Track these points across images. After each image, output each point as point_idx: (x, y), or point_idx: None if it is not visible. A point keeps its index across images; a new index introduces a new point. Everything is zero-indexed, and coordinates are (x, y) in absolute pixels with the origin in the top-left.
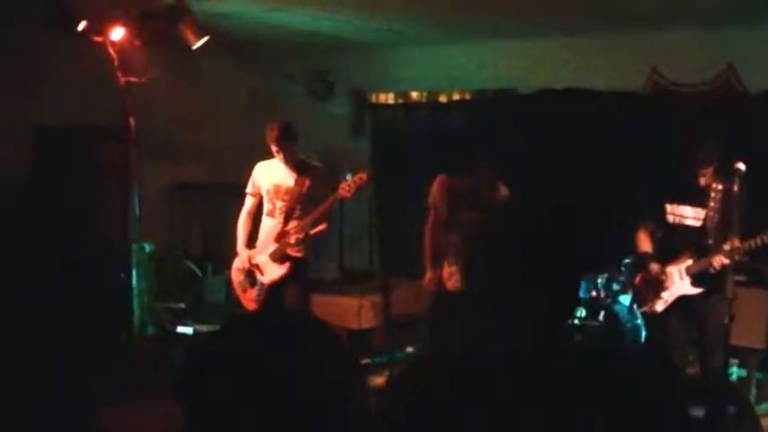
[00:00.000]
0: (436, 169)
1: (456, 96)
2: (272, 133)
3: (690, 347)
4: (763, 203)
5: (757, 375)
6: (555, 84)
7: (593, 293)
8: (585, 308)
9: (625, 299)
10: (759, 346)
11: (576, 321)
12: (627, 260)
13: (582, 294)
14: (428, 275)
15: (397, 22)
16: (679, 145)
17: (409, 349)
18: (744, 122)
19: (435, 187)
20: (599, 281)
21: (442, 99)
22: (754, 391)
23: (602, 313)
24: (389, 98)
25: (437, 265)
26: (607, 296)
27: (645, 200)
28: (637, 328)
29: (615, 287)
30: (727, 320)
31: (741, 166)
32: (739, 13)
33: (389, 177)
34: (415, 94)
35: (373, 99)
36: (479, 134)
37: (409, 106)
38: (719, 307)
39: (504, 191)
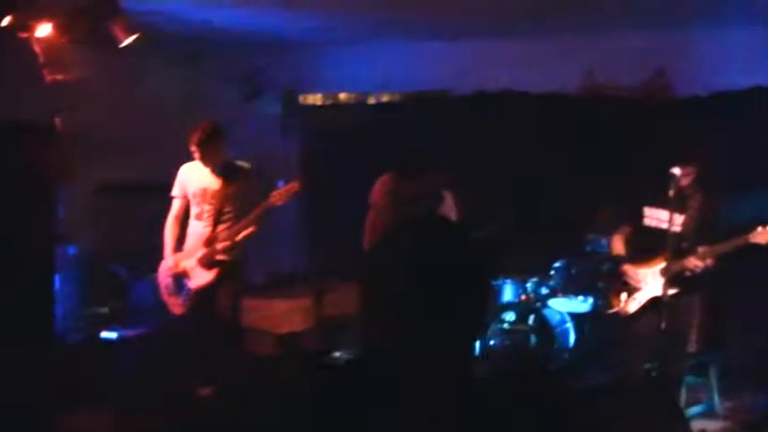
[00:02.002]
0: (366, 171)
1: (386, 98)
2: (193, 135)
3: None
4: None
5: (688, 379)
6: (489, 86)
7: (523, 297)
8: (515, 312)
9: (555, 302)
10: (691, 349)
11: (506, 325)
12: (557, 263)
13: (511, 298)
14: None
15: (328, 21)
16: (626, 149)
17: (337, 354)
18: (681, 126)
19: (378, 187)
20: (528, 284)
21: (372, 101)
22: (684, 394)
23: (532, 317)
24: (318, 99)
25: None
26: (537, 299)
27: (624, 203)
28: (566, 332)
29: (545, 291)
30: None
31: (676, 170)
32: (673, 17)
33: (318, 179)
34: (344, 96)
35: (302, 100)
36: (411, 136)
37: (339, 108)
38: (690, 309)
39: (449, 199)
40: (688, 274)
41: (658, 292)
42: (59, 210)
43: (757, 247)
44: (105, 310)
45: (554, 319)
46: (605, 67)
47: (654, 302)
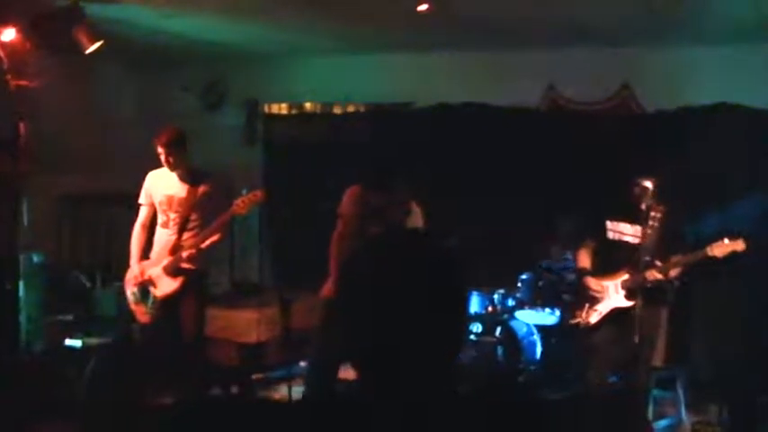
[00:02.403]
0: (330, 181)
1: (351, 109)
2: (161, 138)
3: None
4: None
5: (655, 392)
6: (451, 98)
7: (490, 309)
8: (481, 323)
9: (522, 314)
10: (658, 363)
11: (473, 336)
12: (524, 276)
13: (478, 309)
14: (328, 286)
15: (293, 33)
16: (592, 163)
17: (303, 364)
18: (644, 141)
19: (347, 198)
20: (495, 296)
21: (337, 111)
22: (651, 408)
23: (499, 329)
24: (283, 109)
25: None
26: (504, 311)
27: (588, 218)
28: (533, 345)
29: (511, 303)
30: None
31: (647, 183)
32: (636, 33)
33: (283, 188)
34: (309, 105)
35: (267, 110)
36: (375, 147)
37: (303, 117)
38: (652, 321)
39: (417, 212)
40: (649, 286)
41: (620, 303)
42: (23, 218)
43: (718, 261)
44: (69, 317)
45: (521, 330)
46: (567, 81)
47: (615, 314)
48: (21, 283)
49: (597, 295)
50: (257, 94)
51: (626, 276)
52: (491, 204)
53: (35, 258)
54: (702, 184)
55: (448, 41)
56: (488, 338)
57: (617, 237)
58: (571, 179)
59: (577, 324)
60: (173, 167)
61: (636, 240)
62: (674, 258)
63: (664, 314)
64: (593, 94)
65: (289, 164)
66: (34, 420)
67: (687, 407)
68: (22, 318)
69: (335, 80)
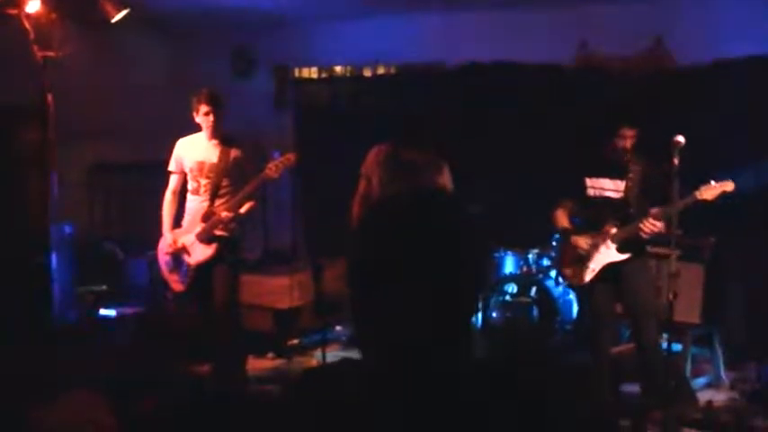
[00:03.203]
0: (361, 144)
1: (381, 71)
2: (204, 96)
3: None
4: (691, 175)
5: (692, 350)
6: (482, 57)
7: (524, 269)
8: (516, 283)
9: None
10: (695, 321)
11: (508, 297)
12: (557, 235)
13: (513, 270)
14: None
15: None
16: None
17: (338, 328)
18: (675, 95)
19: (371, 157)
20: (530, 256)
21: (367, 73)
22: (689, 366)
23: (534, 289)
24: (313, 73)
25: None
26: (538, 271)
27: (563, 176)
28: (569, 304)
29: (546, 262)
30: (664, 289)
31: (680, 139)
32: None
33: (314, 153)
34: (339, 69)
35: (296, 74)
36: (406, 108)
37: (333, 81)
38: (644, 273)
39: (446, 172)
40: (643, 235)
41: (613, 258)
42: (54, 190)
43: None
44: (103, 287)
45: (556, 290)
46: (599, 37)
47: (609, 270)
48: (53, 255)
49: (587, 253)
50: (287, 60)
51: (614, 230)
52: (524, 163)
53: (66, 229)
54: (734, 138)
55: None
56: (523, 299)
57: (597, 193)
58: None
59: (571, 283)
60: (214, 127)
61: (617, 195)
62: (666, 207)
63: (699, 272)
64: (626, 49)
65: (319, 128)
66: (68, 389)
67: (725, 364)
68: (55, 289)
69: (364, 42)
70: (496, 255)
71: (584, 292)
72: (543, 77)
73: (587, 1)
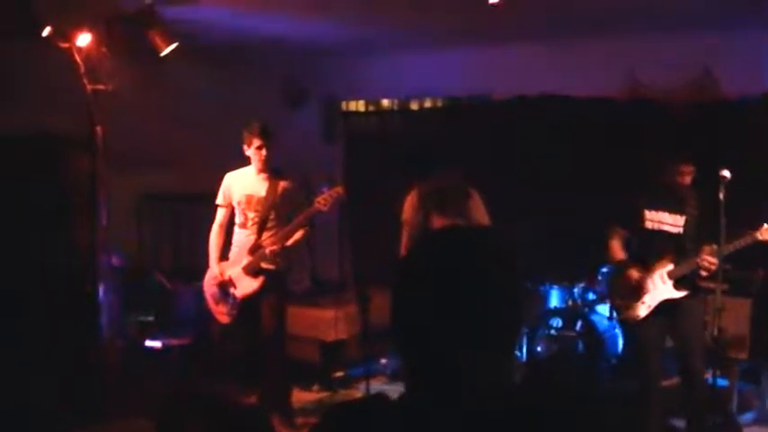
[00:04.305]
0: (409, 177)
1: (428, 104)
2: (252, 131)
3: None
4: (740, 210)
5: (740, 385)
6: (529, 90)
7: (570, 303)
8: (562, 317)
9: (603, 308)
10: (742, 356)
11: (553, 331)
12: (604, 269)
13: (558, 304)
14: None
15: (369, 29)
16: (657, 150)
17: (384, 361)
18: (722, 128)
19: (408, 202)
20: (575, 290)
21: (414, 106)
22: (735, 401)
23: (579, 323)
24: (361, 105)
25: None
26: (584, 305)
27: (620, 206)
28: (614, 338)
29: (592, 296)
30: (710, 324)
31: (726, 173)
32: (716, 18)
33: (362, 185)
34: (386, 102)
35: (345, 107)
36: (453, 141)
37: (381, 114)
38: (698, 309)
39: (477, 198)
40: (703, 273)
41: (669, 295)
42: (102, 220)
43: None
44: (150, 318)
45: (601, 324)
46: (647, 68)
47: (664, 307)
48: (100, 285)
49: (643, 288)
50: (336, 91)
51: (671, 266)
52: (570, 196)
53: (115, 259)
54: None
55: (525, 32)
56: (569, 333)
57: (656, 226)
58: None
59: (625, 320)
60: (265, 163)
61: (675, 230)
62: (724, 244)
63: (747, 306)
64: (674, 80)
65: (367, 160)
66: (116, 419)
67: None
68: (103, 319)
69: (412, 75)
70: (542, 288)
71: (633, 324)
72: (590, 109)
73: (635, 31)
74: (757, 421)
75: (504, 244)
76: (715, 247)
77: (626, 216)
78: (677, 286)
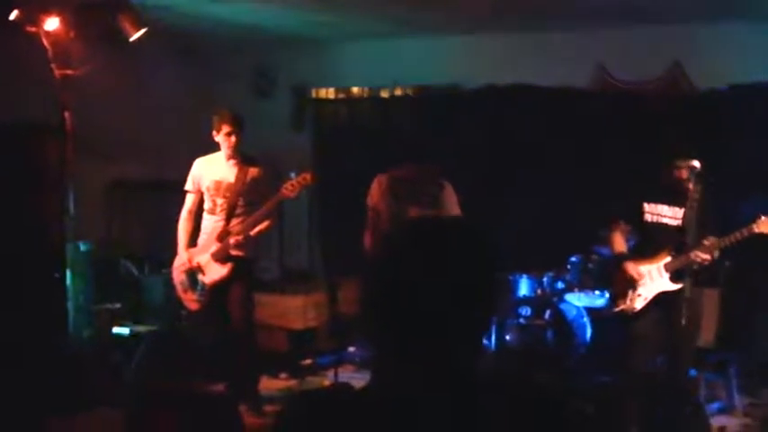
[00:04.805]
0: (379, 165)
1: (398, 92)
2: (222, 118)
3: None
4: (719, 203)
5: (707, 376)
6: (499, 80)
7: (539, 292)
8: (531, 306)
9: (572, 297)
10: (709, 346)
11: (522, 320)
12: (573, 258)
13: (527, 293)
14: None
15: (340, 16)
16: (638, 143)
17: (352, 349)
18: (693, 120)
19: (375, 187)
20: (545, 279)
21: (385, 95)
22: (703, 391)
23: (548, 312)
24: (331, 93)
25: None
26: (553, 294)
27: (621, 199)
28: (583, 327)
29: (561, 285)
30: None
31: (696, 163)
32: (686, 11)
33: (331, 173)
34: (356, 90)
35: (315, 94)
36: (423, 130)
37: (351, 102)
38: (696, 303)
39: (450, 189)
40: (696, 267)
41: (665, 287)
42: (70, 207)
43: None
44: (118, 305)
45: (570, 313)
46: (616, 60)
47: (660, 298)
48: (68, 272)
49: (639, 280)
50: (305, 80)
51: (668, 259)
52: (539, 186)
53: (82, 247)
54: (753, 163)
55: (495, 23)
56: (538, 321)
57: (655, 219)
58: (620, 160)
59: (622, 311)
60: (234, 149)
61: (675, 222)
62: (721, 237)
63: (713, 296)
64: (644, 73)
65: (337, 148)
66: (82, 408)
67: (739, 390)
68: (70, 306)
69: (383, 64)
70: (512, 277)
71: (628, 316)
72: (560, 100)
73: (606, 24)
74: (724, 411)
75: (484, 235)
76: (710, 242)
77: (627, 210)
78: (674, 279)
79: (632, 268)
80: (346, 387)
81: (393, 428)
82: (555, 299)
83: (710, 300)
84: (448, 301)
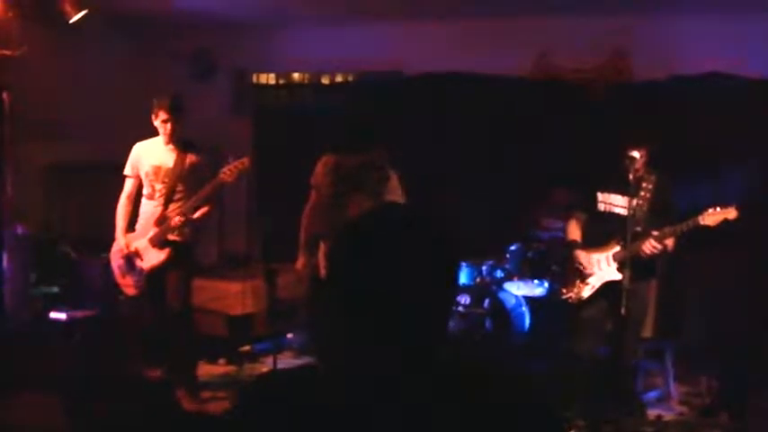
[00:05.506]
0: (318, 151)
1: (339, 78)
2: (160, 104)
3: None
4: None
5: (643, 365)
6: (440, 67)
7: (478, 280)
8: (470, 295)
9: (510, 285)
10: (647, 335)
11: (461, 309)
12: (512, 246)
13: (467, 281)
14: (301, 260)
15: (282, 1)
16: (582, 132)
17: (291, 335)
18: (634, 110)
19: (320, 167)
20: (484, 268)
21: (325, 81)
22: (641, 380)
23: (487, 300)
24: (271, 79)
25: (314, 249)
26: (492, 283)
27: (578, 188)
28: (522, 316)
29: (500, 274)
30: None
31: (635, 154)
32: (628, 1)
33: (270, 159)
34: (296, 76)
35: (255, 79)
36: (364, 117)
37: (292, 87)
38: (645, 294)
39: (395, 179)
40: (644, 258)
41: (612, 276)
42: (8, 188)
43: (711, 229)
44: (55, 289)
45: (509, 302)
46: (559, 49)
47: (607, 287)
48: (4, 255)
49: (588, 269)
50: (246, 65)
51: (617, 248)
52: (479, 175)
53: (19, 230)
54: (695, 154)
55: (438, 9)
56: (477, 310)
57: (607, 208)
58: (563, 149)
59: (569, 299)
60: (172, 134)
61: (626, 212)
62: (667, 229)
63: (653, 286)
64: (585, 62)
65: (277, 134)
66: (17, 392)
67: (675, 379)
68: (6, 290)
69: (323, 50)
70: None
71: (575, 305)
72: (501, 88)
73: (548, 12)
74: (661, 400)
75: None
76: (657, 233)
77: (583, 199)
78: (621, 269)
79: (583, 256)
80: (312, 368)
81: (372, 410)
82: (494, 287)
83: (647, 289)
84: (420, 286)
